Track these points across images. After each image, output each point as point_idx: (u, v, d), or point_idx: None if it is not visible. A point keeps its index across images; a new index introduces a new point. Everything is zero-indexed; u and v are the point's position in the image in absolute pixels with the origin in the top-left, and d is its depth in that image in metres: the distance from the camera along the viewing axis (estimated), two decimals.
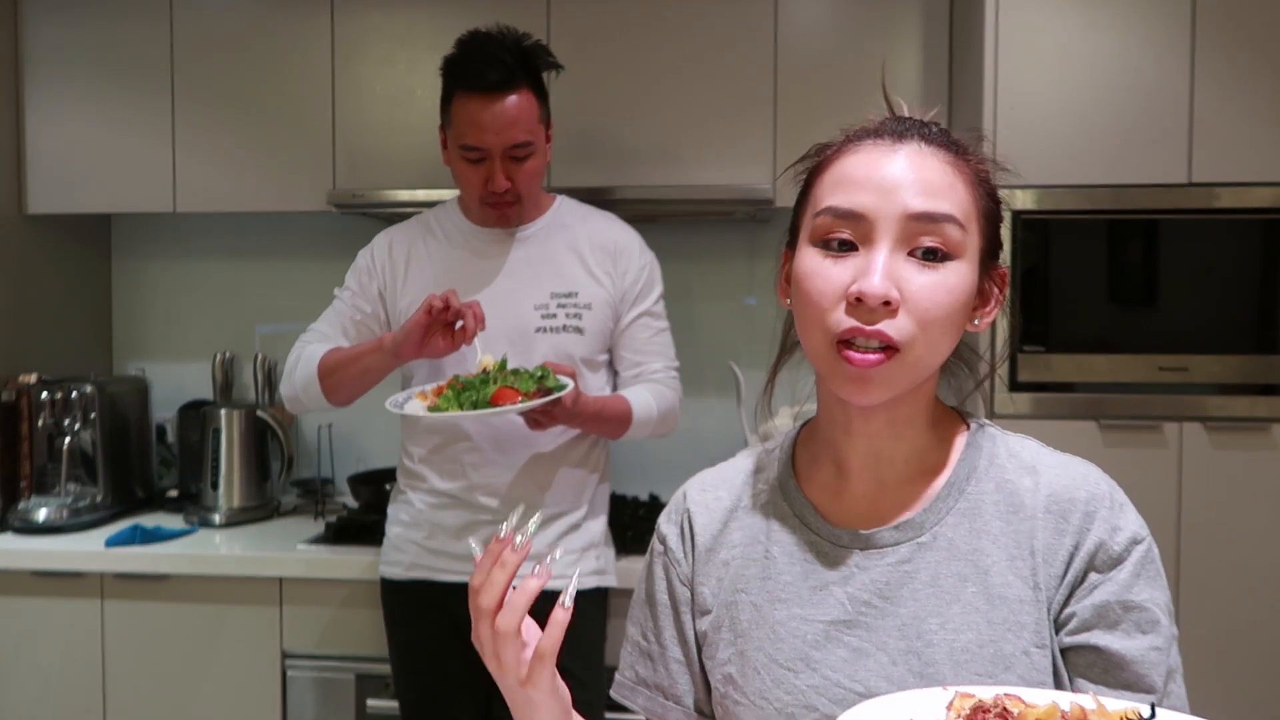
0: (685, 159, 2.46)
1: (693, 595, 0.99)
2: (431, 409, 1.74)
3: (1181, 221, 2.12)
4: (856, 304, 0.82)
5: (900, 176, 0.84)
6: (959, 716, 0.68)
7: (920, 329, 0.83)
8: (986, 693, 0.74)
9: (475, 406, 1.71)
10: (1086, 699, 0.70)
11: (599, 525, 2.01)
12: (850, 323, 0.82)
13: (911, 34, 2.42)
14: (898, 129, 0.88)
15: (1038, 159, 2.11)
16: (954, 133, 0.91)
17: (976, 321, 0.90)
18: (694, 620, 0.98)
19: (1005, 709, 0.67)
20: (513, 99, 1.84)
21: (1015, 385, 2.14)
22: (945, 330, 0.85)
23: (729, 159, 2.44)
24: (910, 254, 0.83)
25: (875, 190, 0.84)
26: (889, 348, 0.82)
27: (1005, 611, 0.85)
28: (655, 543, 1.04)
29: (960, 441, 0.94)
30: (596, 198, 2.24)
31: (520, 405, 1.71)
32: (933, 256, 0.83)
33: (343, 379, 1.91)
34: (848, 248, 0.84)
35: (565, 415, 1.80)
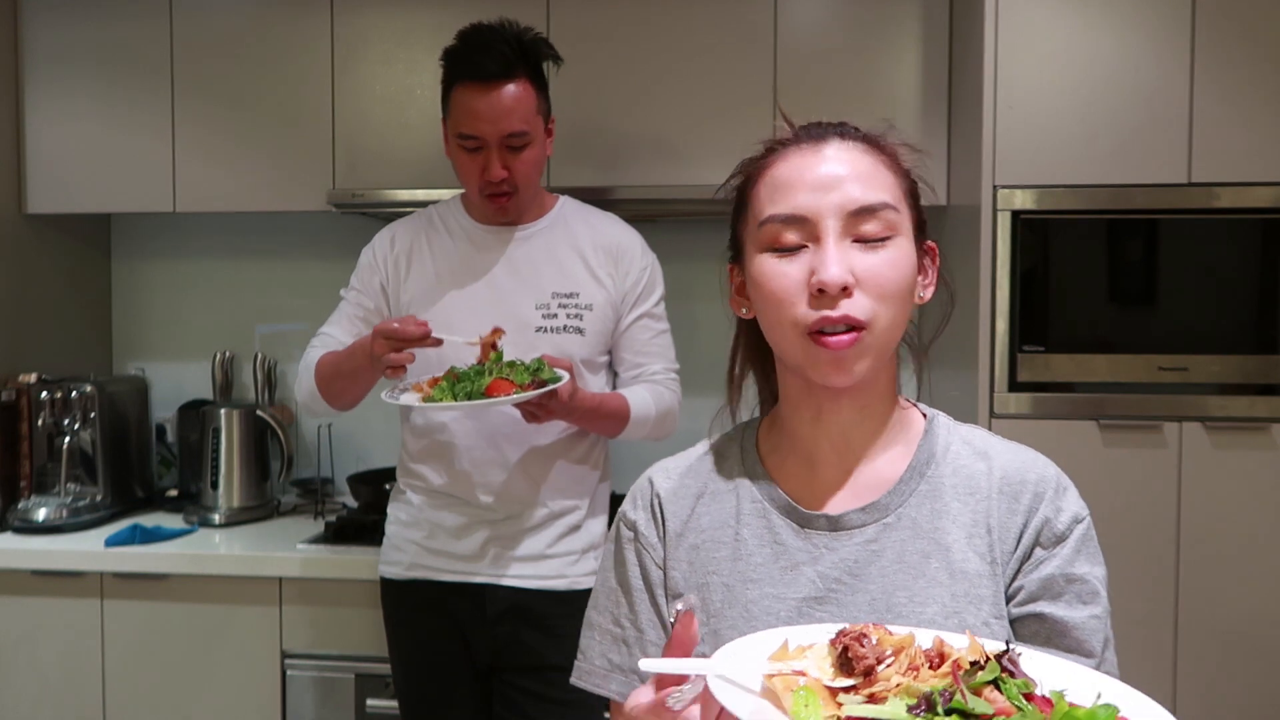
0: (685, 158, 2.46)
1: (665, 577, 1.02)
2: (426, 400, 1.75)
3: (1181, 221, 2.12)
4: (819, 295, 0.89)
5: (832, 173, 0.92)
6: (829, 640, 0.74)
7: (879, 304, 0.90)
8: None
9: (470, 398, 1.71)
10: (960, 637, 0.74)
11: (599, 525, 2.00)
12: (817, 313, 0.89)
13: (911, 34, 2.42)
14: (815, 133, 0.96)
15: (1038, 159, 2.11)
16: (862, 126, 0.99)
17: (921, 295, 0.98)
18: (667, 603, 1.02)
19: (863, 634, 0.72)
20: (510, 88, 1.84)
21: (1015, 385, 2.13)
22: (901, 302, 0.92)
23: (729, 158, 2.41)
24: (856, 240, 0.91)
25: (812, 190, 0.91)
26: (856, 328, 0.89)
27: (966, 585, 0.91)
28: (623, 530, 1.07)
29: (918, 429, 1.01)
30: (596, 197, 2.24)
31: (514, 397, 1.70)
32: (876, 240, 0.91)
33: (337, 386, 1.92)
34: (796, 250, 0.91)
35: (562, 409, 1.79)
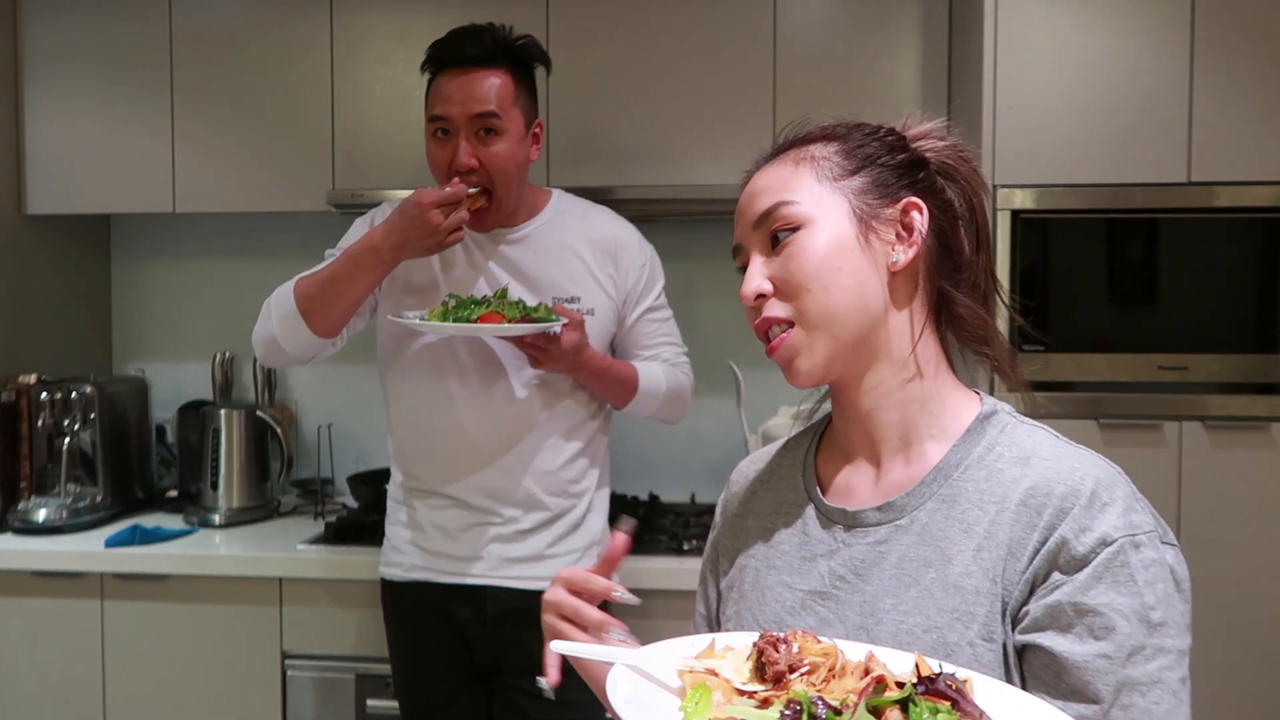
0: (685, 158, 2.46)
1: (718, 558, 1.09)
2: (423, 319, 1.78)
3: (1181, 221, 2.12)
4: (752, 310, 0.95)
5: (744, 201, 0.99)
6: (753, 643, 0.75)
7: (797, 294, 0.92)
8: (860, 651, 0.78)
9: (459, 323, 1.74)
10: (908, 657, 0.73)
11: (599, 522, 2.00)
12: (754, 324, 0.96)
13: (911, 34, 2.42)
14: (752, 169, 1.02)
15: (1037, 158, 2.11)
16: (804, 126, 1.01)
17: (897, 258, 0.93)
18: (717, 581, 1.08)
19: (783, 640, 0.72)
20: (486, 75, 1.82)
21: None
22: (827, 278, 0.92)
23: (729, 158, 2.41)
24: (772, 246, 0.95)
25: (739, 220, 0.99)
26: (786, 325, 0.93)
27: (957, 600, 0.86)
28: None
29: (963, 426, 0.94)
30: (596, 198, 2.23)
31: (505, 327, 1.71)
32: (781, 237, 0.94)
33: (325, 296, 1.80)
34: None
35: (567, 359, 1.78)
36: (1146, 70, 2.11)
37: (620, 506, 2.53)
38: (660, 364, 1.99)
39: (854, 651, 0.76)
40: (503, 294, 1.80)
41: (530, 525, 1.91)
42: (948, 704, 0.65)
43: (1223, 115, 2.10)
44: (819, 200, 0.94)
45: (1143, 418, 2.12)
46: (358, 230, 1.97)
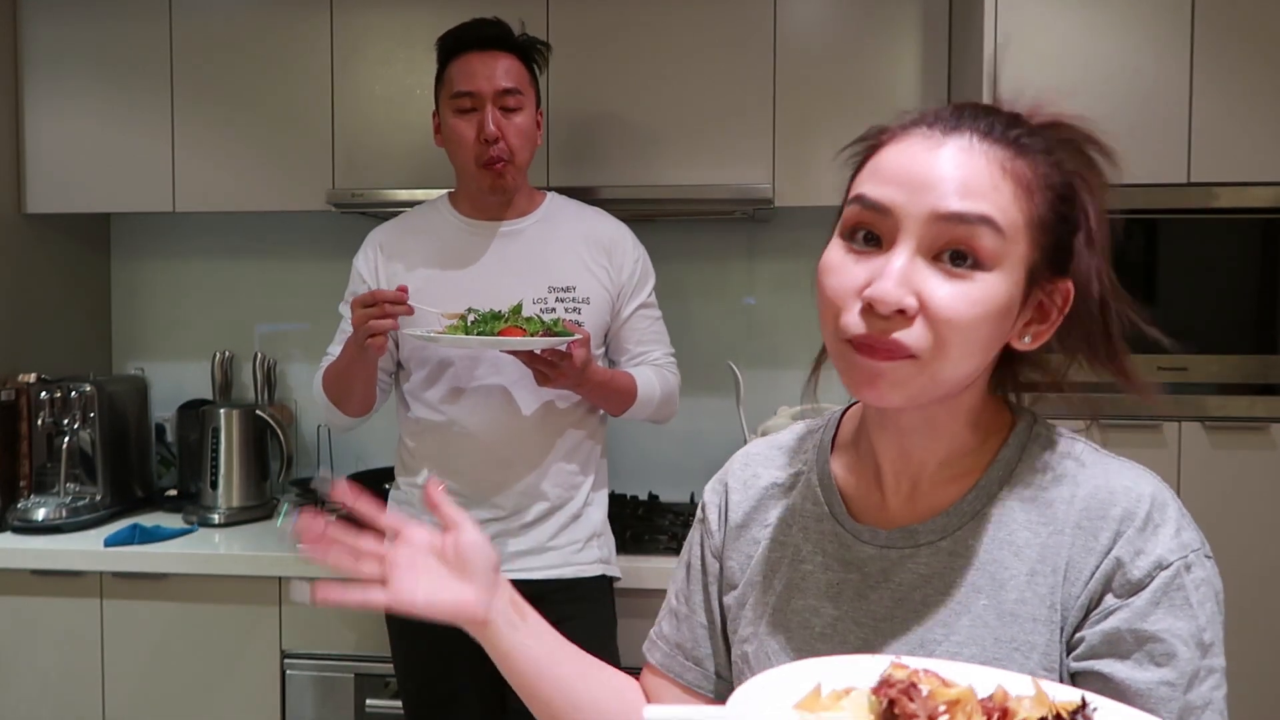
0: (684, 158, 2.46)
1: (721, 569, 0.99)
2: (441, 334, 1.80)
3: (1180, 221, 2.12)
4: (870, 309, 0.76)
5: (936, 173, 0.77)
6: (871, 689, 0.65)
7: (938, 341, 0.76)
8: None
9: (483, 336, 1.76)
10: (1023, 681, 0.65)
11: (599, 514, 2.04)
12: (861, 329, 0.76)
13: (911, 34, 2.42)
14: (953, 120, 0.81)
15: None
16: (1029, 129, 0.84)
17: (1026, 340, 0.84)
18: (720, 593, 0.99)
19: (913, 685, 0.62)
20: (503, 56, 1.93)
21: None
22: (970, 346, 0.77)
23: (728, 158, 2.44)
24: (937, 258, 0.76)
25: (907, 185, 0.77)
26: (905, 355, 0.77)
27: (1015, 630, 0.80)
28: (699, 510, 1.04)
29: (1001, 438, 0.88)
30: (594, 196, 2.25)
31: (526, 340, 1.74)
32: (961, 263, 0.76)
33: (342, 389, 1.96)
34: (873, 242, 0.78)
35: (574, 375, 1.82)
36: (1146, 70, 2.11)
37: (620, 506, 2.54)
38: (651, 367, 2.04)
39: (964, 676, 0.67)
40: (517, 309, 1.83)
41: (532, 518, 1.95)
42: None
43: (1223, 115, 2.10)
44: (1014, 240, 0.78)
45: (1142, 418, 2.12)
46: (355, 270, 2.05)
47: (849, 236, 0.80)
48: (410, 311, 1.79)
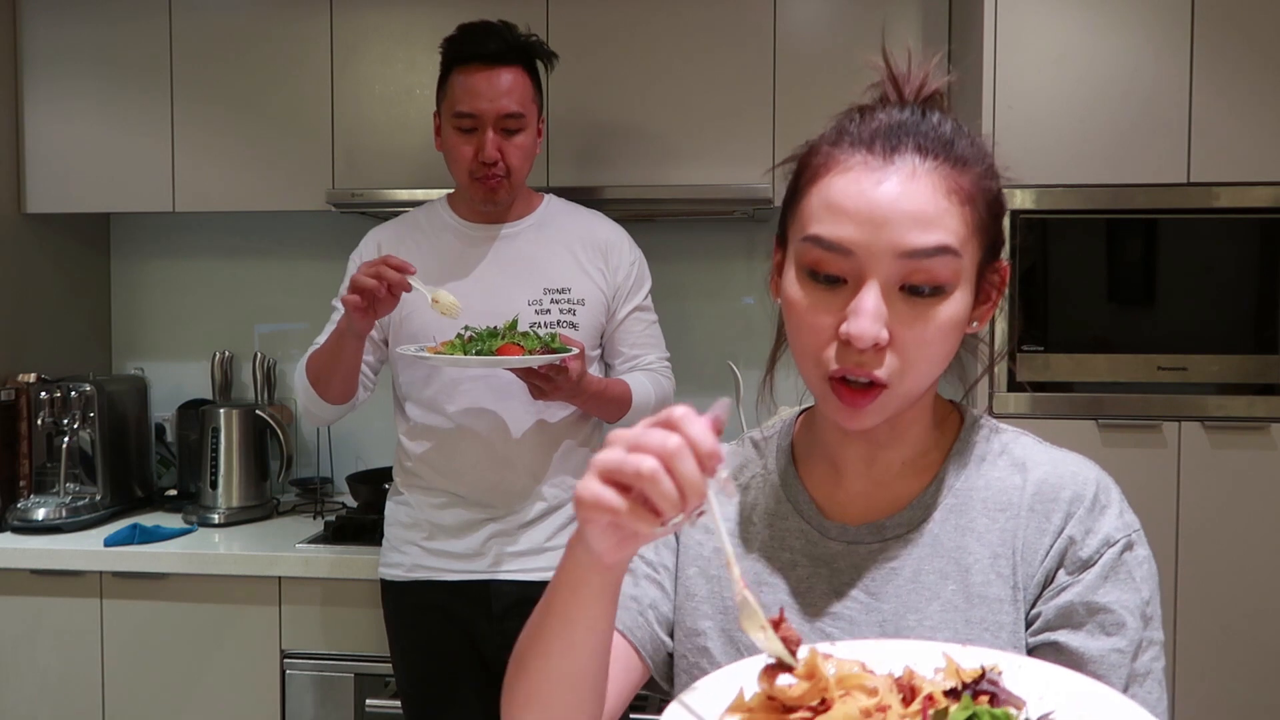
0: (683, 158, 2.46)
1: (673, 556, 0.98)
2: (437, 353, 1.79)
3: (1180, 221, 2.12)
4: (846, 344, 0.80)
5: (890, 207, 0.80)
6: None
7: (906, 365, 0.81)
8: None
9: (481, 356, 1.74)
10: (935, 650, 0.70)
11: None
12: (840, 364, 0.81)
13: (911, 34, 2.42)
14: (891, 140, 0.82)
15: (1037, 159, 2.11)
16: (953, 130, 0.87)
17: (974, 324, 0.88)
18: (672, 581, 0.97)
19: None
20: (508, 72, 1.90)
21: (1014, 385, 2.14)
22: (936, 361, 0.84)
23: (727, 158, 2.44)
24: (902, 288, 0.81)
25: (864, 223, 0.80)
26: (880, 385, 0.82)
27: (984, 611, 0.86)
28: None
29: (952, 435, 0.94)
30: (594, 197, 2.25)
31: (525, 359, 1.73)
32: (923, 292, 0.81)
33: (325, 371, 1.91)
34: (834, 280, 0.82)
35: (570, 388, 1.81)
36: (1146, 71, 2.11)
37: None
38: (645, 373, 2.03)
39: (852, 653, 0.72)
40: (513, 325, 1.82)
41: (529, 518, 1.95)
42: (1005, 705, 0.64)
43: (1222, 116, 2.10)
44: (966, 252, 0.83)
45: (1142, 418, 2.12)
46: (351, 268, 2.02)
47: (811, 275, 0.83)
48: (408, 287, 1.75)
